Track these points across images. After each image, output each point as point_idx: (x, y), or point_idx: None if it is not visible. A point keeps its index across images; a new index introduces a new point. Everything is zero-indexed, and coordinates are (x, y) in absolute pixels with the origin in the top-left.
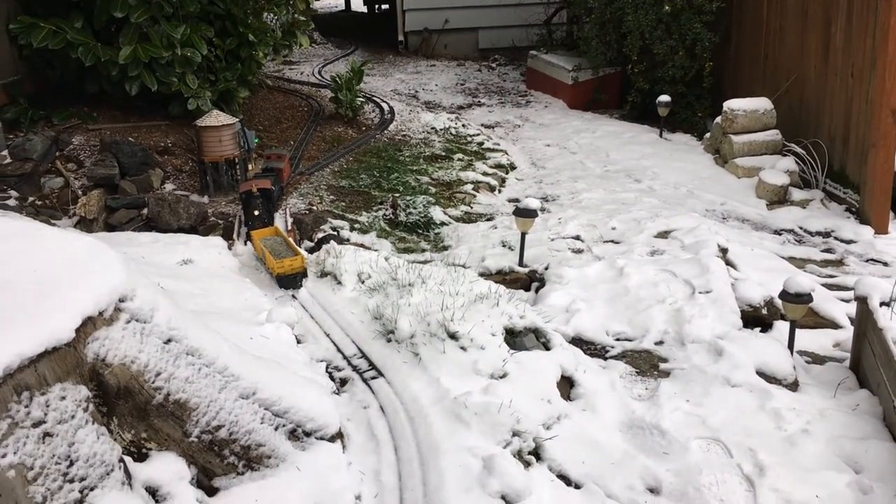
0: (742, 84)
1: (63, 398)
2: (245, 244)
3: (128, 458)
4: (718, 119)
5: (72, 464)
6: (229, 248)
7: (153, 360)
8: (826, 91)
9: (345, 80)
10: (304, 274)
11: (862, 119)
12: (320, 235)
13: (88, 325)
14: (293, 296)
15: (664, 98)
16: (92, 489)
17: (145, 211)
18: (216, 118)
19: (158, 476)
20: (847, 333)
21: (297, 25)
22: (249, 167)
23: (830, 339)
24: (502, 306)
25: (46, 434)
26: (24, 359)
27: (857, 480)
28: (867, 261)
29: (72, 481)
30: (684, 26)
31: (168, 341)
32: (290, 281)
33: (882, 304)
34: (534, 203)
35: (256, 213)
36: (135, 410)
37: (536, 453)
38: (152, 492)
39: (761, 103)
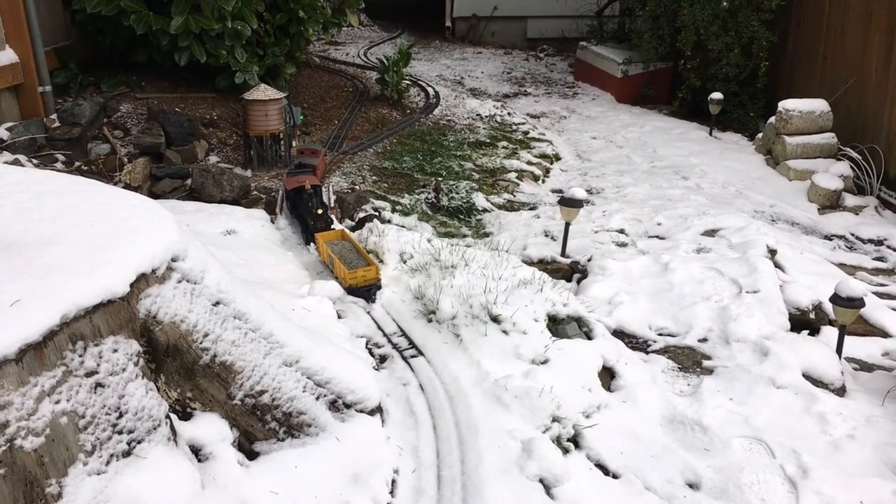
0: (797, 85)
1: (115, 351)
2: (307, 245)
3: (173, 416)
4: (772, 119)
5: (121, 415)
6: (272, 221)
7: (202, 321)
8: (886, 96)
9: (392, 61)
10: (378, 286)
11: None
12: (362, 215)
13: (142, 282)
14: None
15: (716, 95)
16: (139, 442)
17: (189, 181)
18: (263, 92)
19: (202, 435)
20: None
21: (347, 4)
22: (294, 143)
23: (879, 348)
24: (546, 292)
25: (98, 384)
26: (80, 308)
27: None
28: None
29: (121, 433)
30: (741, 23)
31: (217, 304)
32: (362, 293)
33: None
34: (579, 193)
35: (319, 212)
36: (182, 369)
37: (575, 441)
38: (195, 450)
39: (818, 105)
